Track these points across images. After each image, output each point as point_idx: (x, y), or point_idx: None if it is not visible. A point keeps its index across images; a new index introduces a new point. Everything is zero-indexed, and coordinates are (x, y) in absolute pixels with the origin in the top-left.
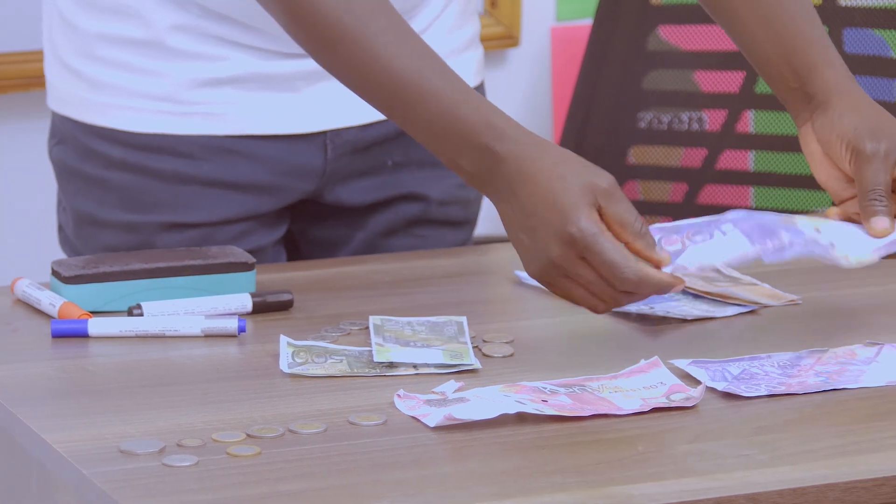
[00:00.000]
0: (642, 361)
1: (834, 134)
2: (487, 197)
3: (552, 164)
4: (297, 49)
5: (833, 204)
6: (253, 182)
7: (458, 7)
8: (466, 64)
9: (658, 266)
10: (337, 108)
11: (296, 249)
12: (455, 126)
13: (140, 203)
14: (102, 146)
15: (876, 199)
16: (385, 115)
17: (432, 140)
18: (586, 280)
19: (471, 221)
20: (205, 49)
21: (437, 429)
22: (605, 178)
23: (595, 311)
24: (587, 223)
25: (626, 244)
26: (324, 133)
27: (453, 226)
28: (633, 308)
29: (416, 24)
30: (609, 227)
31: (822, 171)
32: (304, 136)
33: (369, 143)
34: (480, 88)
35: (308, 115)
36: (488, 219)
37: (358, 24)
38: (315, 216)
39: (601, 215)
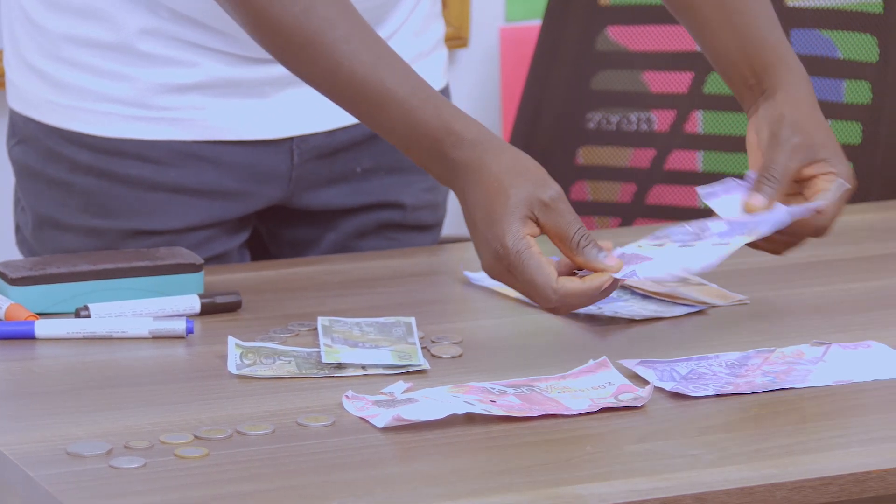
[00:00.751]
0: (591, 362)
1: (763, 120)
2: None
3: (499, 174)
4: (266, 54)
5: None
6: (219, 188)
7: (424, 10)
8: (433, 66)
9: (608, 270)
10: (304, 113)
11: (265, 251)
12: (417, 132)
13: (105, 208)
14: (67, 149)
15: (766, 178)
16: (357, 119)
17: (401, 143)
18: (520, 290)
19: (439, 224)
20: (174, 54)
21: (386, 430)
22: (548, 190)
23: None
24: (514, 240)
25: (569, 258)
26: (290, 139)
27: (423, 230)
28: (581, 308)
29: (386, 29)
30: (551, 240)
31: (754, 161)
32: (270, 141)
33: (336, 148)
34: (446, 90)
35: (275, 120)
36: (447, 220)
37: (319, 31)
38: (285, 219)
39: (541, 228)
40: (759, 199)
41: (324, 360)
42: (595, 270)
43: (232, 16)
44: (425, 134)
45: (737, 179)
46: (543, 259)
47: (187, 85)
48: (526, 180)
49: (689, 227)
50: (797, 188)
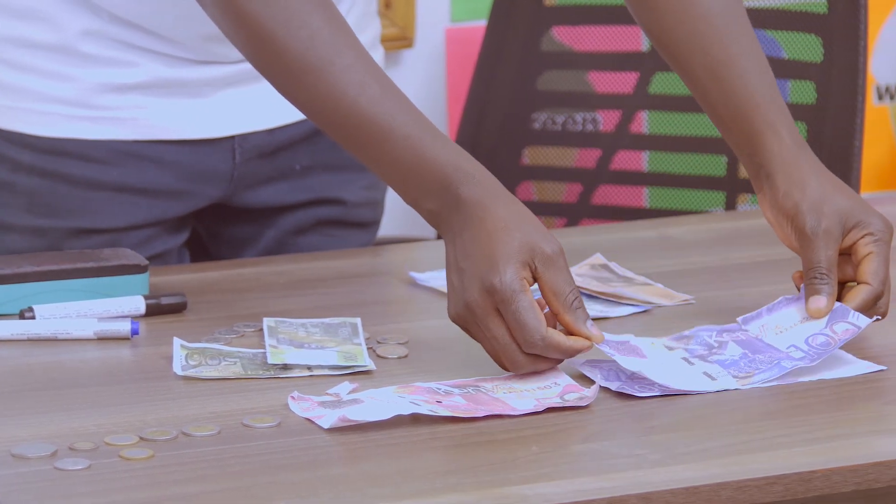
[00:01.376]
0: None
1: (779, 212)
2: (442, 236)
3: (505, 216)
4: (206, 56)
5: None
6: (161, 187)
7: (359, 10)
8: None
9: (590, 340)
10: (244, 112)
11: (203, 250)
12: (423, 167)
13: (48, 208)
14: (10, 150)
15: (816, 278)
16: (349, 151)
17: (397, 179)
18: (493, 335)
19: (377, 222)
20: (115, 54)
21: (332, 430)
22: (550, 245)
23: (500, 366)
24: (511, 279)
25: (556, 314)
26: (232, 138)
27: (362, 227)
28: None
29: None
30: (543, 294)
31: (784, 240)
32: (212, 140)
33: (276, 147)
34: None
35: (216, 120)
36: (389, 221)
37: (324, 59)
38: (223, 217)
39: (536, 279)
40: (821, 301)
41: (269, 360)
42: (579, 335)
43: (230, 37)
44: (433, 169)
45: (784, 296)
46: (537, 304)
47: (128, 85)
48: (532, 229)
49: (715, 335)
50: (843, 261)
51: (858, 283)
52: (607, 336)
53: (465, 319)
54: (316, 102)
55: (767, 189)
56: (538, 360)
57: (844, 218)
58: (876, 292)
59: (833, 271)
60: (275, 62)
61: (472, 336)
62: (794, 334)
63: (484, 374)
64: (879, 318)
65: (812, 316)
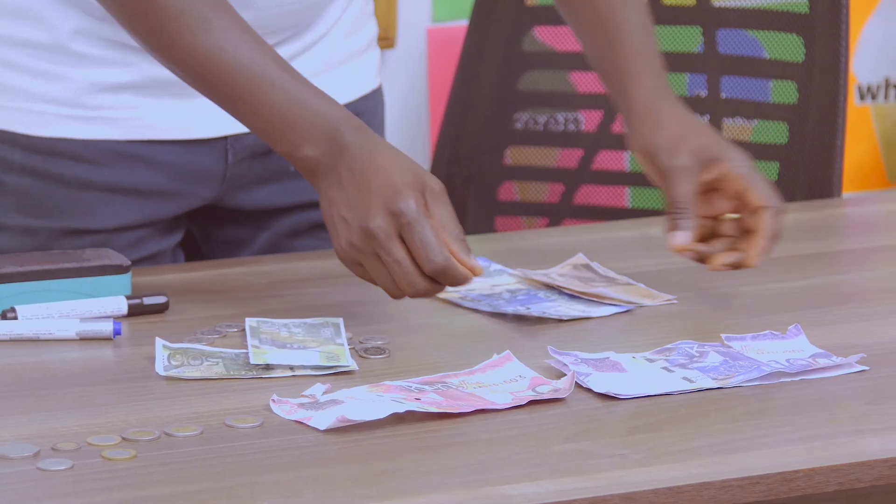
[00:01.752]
0: (494, 356)
1: (640, 152)
2: (316, 184)
3: (394, 155)
4: None
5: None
6: (153, 188)
7: (357, 10)
8: (365, 66)
9: (472, 272)
10: None
11: (197, 251)
12: (307, 114)
13: (39, 208)
14: (1, 149)
15: (675, 213)
16: (222, 107)
17: (276, 126)
18: (394, 259)
19: None
20: (107, 54)
21: (315, 431)
22: (437, 182)
23: (393, 294)
24: (415, 204)
25: (444, 244)
26: (224, 138)
27: None
28: (509, 309)
29: (318, 29)
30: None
31: (651, 179)
32: (204, 141)
33: (269, 147)
34: (379, 91)
35: (208, 120)
36: None
37: (201, 18)
38: (217, 219)
39: (427, 206)
40: (680, 236)
41: (252, 361)
42: (464, 264)
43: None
44: (318, 116)
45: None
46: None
47: (121, 84)
48: (418, 168)
49: (696, 347)
50: (716, 197)
51: (757, 211)
52: (585, 355)
53: (362, 250)
54: (193, 63)
55: (630, 133)
56: (433, 285)
57: (700, 153)
58: (779, 210)
59: (691, 205)
60: (149, 25)
61: (362, 270)
62: (775, 355)
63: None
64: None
65: (673, 250)
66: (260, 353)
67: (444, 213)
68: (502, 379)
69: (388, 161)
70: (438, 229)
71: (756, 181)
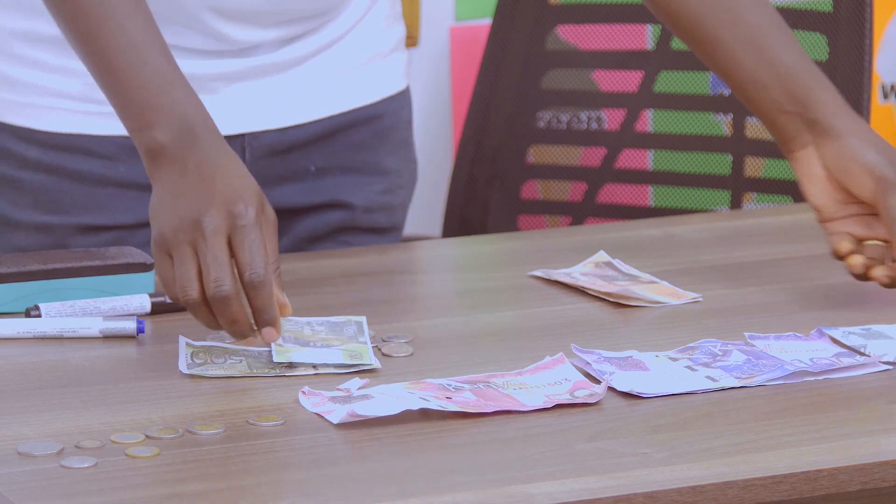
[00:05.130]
0: (547, 358)
1: (855, 163)
2: (154, 170)
3: (242, 168)
4: (217, 46)
5: (819, 221)
6: None
7: (384, 10)
8: (393, 66)
9: (281, 308)
10: (255, 110)
11: None
12: (169, 100)
13: (55, 204)
14: (18, 146)
15: None
16: (94, 77)
17: (135, 103)
18: (212, 252)
19: (397, 227)
20: None
21: (338, 429)
22: (273, 212)
23: (183, 296)
24: (254, 213)
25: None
26: (242, 136)
27: (379, 232)
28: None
29: (337, 26)
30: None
31: (821, 193)
32: None
33: (289, 146)
34: (406, 92)
35: (226, 116)
36: (410, 221)
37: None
38: None
39: None
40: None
41: (275, 359)
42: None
43: None
44: (178, 104)
45: (794, 333)
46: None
47: None
48: (262, 191)
49: (720, 346)
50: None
51: None
52: (608, 353)
53: (181, 240)
54: (80, 24)
55: (829, 141)
56: (233, 300)
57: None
58: None
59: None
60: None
61: (167, 263)
62: (798, 354)
63: (491, 371)
64: (890, 367)
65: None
66: (283, 352)
67: (271, 240)
68: (547, 381)
69: (237, 170)
70: (266, 247)
71: None
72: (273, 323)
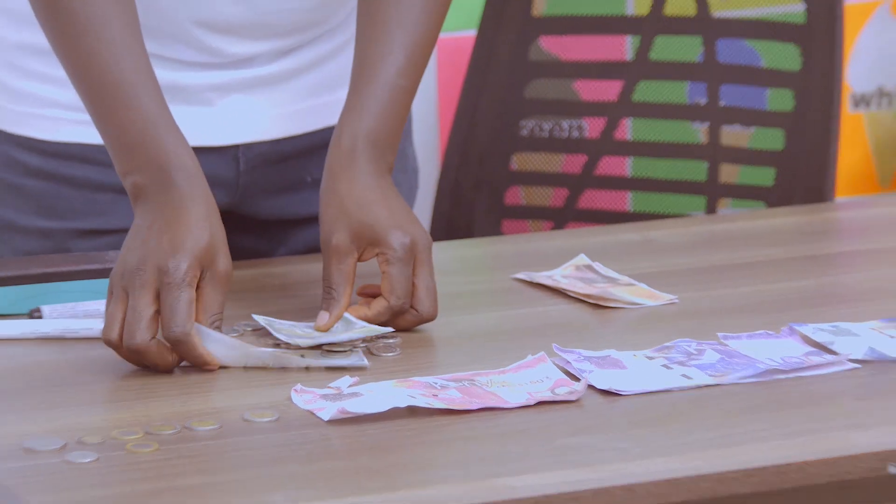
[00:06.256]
0: (529, 357)
1: (320, 197)
2: (135, 207)
3: (207, 218)
4: (211, 59)
5: None
6: None
7: None
8: None
9: (205, 362)
10: (250, 121)
11: None
12: (147, 142)
13: (56, 210)
14: (21, 154)
15: (325, 293)
16: (86, 109)
17: (117, 145)
18: (130, 312)
19: None
20: None
21: (329, 425)
22: (228, 265)
23: (104, 334)
24: (185, 270)
25: (193, 320)
26: (236, 147)
27: None
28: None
29: (332, 39)
30: (198, 296)
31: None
32: (216, 148)
33: (284, 156)
34: None
35: (220, 127)
36: None
37: (93, 22)
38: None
39: (199, 285)
40: (324, 318)
41: (305, 343)
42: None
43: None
44: (157, 149)
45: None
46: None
47: None
48: (221, 242)
49: (694, 345)
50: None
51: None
52: (588, 353)
53: (124, 279)
54: (75, 58)
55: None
56: (142, 352)
57: (360, 234)
58: (394, 308)
59: (342, 285)
60: (59, 22)
61: (112, 296)
62: (770, 353)
63: (476, 370)
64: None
65: (317, 330)
66: (300, 337)
67: (213, 294)
68: (529, 379)
69: (196, 221)
70: (193, 304)
71: (389, 279)
72: (201, 363)
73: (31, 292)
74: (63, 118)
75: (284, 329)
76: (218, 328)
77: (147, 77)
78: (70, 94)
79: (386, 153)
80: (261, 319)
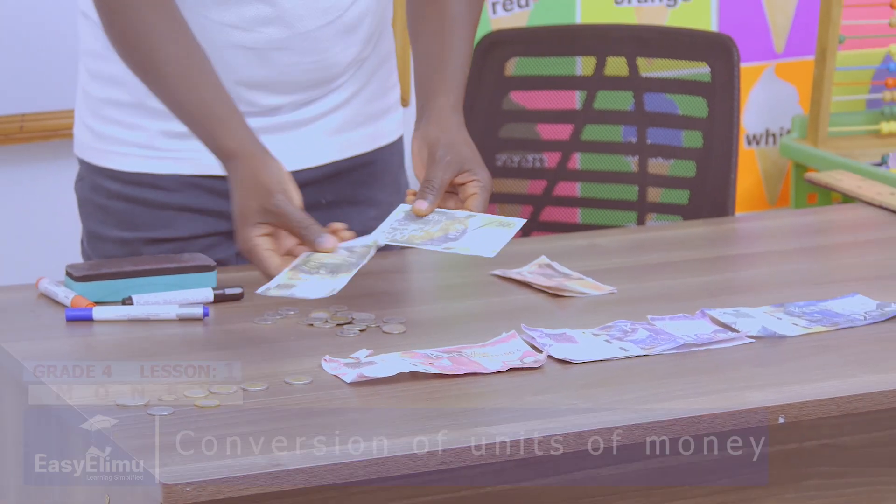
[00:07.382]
0: (503, 334)
1: (422, 139)
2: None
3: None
4: (248, 108)
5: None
6: (213, 208)
7: (380, 80)
8: (386, 123)
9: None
10: (278, 155)
11: None
12: (227, 138)
13: (130, 224)
14: (105, 182)
15: (426, 189)
16: (192, 130)
17: (208, 143)
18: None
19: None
20: None
21: (351, 386)
22: (272, 198)
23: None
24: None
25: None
26: None
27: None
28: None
29: (343, 93)
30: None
31: (418, 170)
32: None
33: (304, 183)
34: (399, 141)
35: None
36: None
37: (156, 51)
38: None
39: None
40: (423, 204)
41: (381, 242)
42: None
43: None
44: (223, 148)
45: (684, 314)
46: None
47: (185, 133)
48: (257, 194)
49: (629, 325)
50: (453, 190)
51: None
52: (549, 331)
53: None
54: (152, 83)
55: (423, 126)
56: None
57: (464, 163)
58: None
59: (441, 189)
60: (149, 69)
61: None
62: (687, 331)
63: (463, 344)
64: (753, 340)
65: (415, 213)
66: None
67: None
68: (503, 351)
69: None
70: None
71: (479, 199)
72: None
73: (125, 285)
74: (134, 154)
75: (405, 235)
76: (309, 224)
77: (219, 90)
78: (139, 136)
79: (462, 116)
80: (381, 238)
